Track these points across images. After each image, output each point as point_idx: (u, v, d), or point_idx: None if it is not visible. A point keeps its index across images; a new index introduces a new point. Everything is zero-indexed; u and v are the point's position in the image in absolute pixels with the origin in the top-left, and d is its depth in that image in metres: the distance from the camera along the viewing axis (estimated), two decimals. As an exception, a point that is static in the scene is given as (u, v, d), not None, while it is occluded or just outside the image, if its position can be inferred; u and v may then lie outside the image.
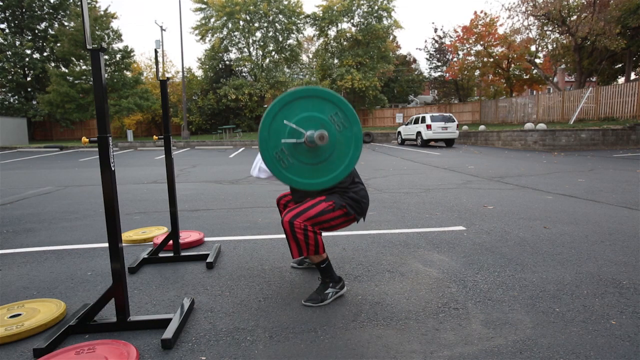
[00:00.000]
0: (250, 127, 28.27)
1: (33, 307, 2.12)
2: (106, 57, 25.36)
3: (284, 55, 29.68)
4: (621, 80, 23.13)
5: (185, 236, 3.40)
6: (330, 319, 2.00)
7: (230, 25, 27.85)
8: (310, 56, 33.65)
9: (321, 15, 28.57)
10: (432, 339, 1.80)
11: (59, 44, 25.62)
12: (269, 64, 29.19)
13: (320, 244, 2.11)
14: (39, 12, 26.35)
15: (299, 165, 1.80)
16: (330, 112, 1.80)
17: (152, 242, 3.40)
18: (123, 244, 2.11)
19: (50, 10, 26.53)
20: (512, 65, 27.21)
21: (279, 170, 1.79)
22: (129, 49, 26.84)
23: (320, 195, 2.18)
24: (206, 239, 3.47)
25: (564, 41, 22.28)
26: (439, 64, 34.65)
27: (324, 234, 2.46)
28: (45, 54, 27.36)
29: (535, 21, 21.79)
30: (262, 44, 28.90)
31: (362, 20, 28.74)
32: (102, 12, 25.84)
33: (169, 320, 1.91)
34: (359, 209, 2.26)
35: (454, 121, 16.40)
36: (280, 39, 28.89)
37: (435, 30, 44.34)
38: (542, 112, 20.59)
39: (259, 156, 2.19)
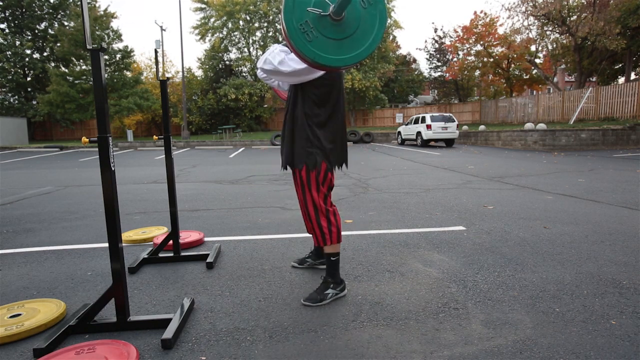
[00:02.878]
0: (250, 127, 28.27)
1: (33, 307, 2.12)
2: (106, 57, 25.37)
3: (284, 55, 29.63)
4: (621, 80, 23.13)
5: (185, 236, 3.40)
6: (330, 319, 2.00)
7: (230, 25, 27.86)
8: (310, 56, 33.58)
9: (321, 15, 28.53)
10: (432, 339, 1.80)
11: (59, 44, 25.63)
12: (269, 63, 29.14)
13: (340, 230, 2.24)
14: (38, 12, 26.36)
15: (323, 39, 1.75)
16: None
17: (152, 242, 3.40)
18: (123, 244, 2.11)
19: (50, 10, 26.54)
20: (512, 65, 27.22)
21: (303, 43, 1.72)
22: (129, 49, 26.86)
23: (297, 175, 2.21)
24: (206, 239, 3.47)
25: (564, 41, 22.28)
26: (439, 64, 34.66)
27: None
28: (45, 54, 27.37)
29: (535, 21, 21.80)
30: (262, 43, 28.90)
31: (362, 20, 28.69)
32: (102, 12, 25.84)
33: (169, 320, 1.91)
34: (331, 158, 2.21)
35: (454, 121, 16.40)
36: (280, 39, 28.87)
37: (435, 30, 44.36)
38: (542, 112, 20.59)
39: (268, 50, 2.16)
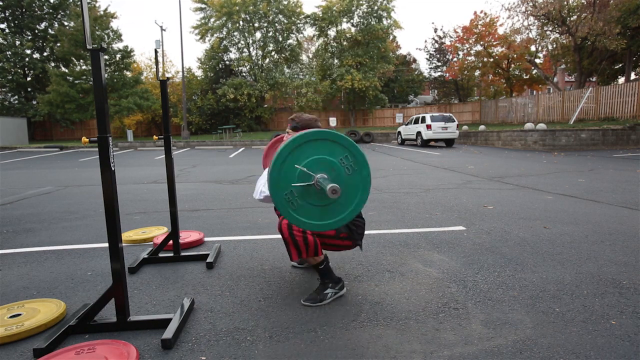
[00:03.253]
0: (250, 127, 28.26)
1: (33, 307, 2.12)
2: (106, 57, 25.36)
3: (283, 56, 29.68)
4: (621, 80, 23.13)
5: (185, 236, 3.40)
6: (330, 319, 2.00)
7: (229, 25, 27.84)
8: (310, 56, 33.64)
9: (321, 15, 28.55)
10: (432, 339, 1.80)
11: (59, 44, 25.63)
12: (268, 64, 29.19)
13: (318, 246, 2.13)
14: (38, 12, 26.35)
15: (308, 206, 1.84)
16: (340, 155, 1.84)
17: (152, 242, 3.40)
18: (123, 244, 2.11)
19: (50, 10, 26.53)
20: (512, 65, 27.22)
21: (288, 211, 1.83)
22: (129, 49, 26.84)
23: None
24: (206, 239, 3.47)
25: (564, 41, 22.28)
26: (439, 64, 34.66)
27: None
28: (45, 54, 27.36)
29: (535, 21, 21.79)
30: (261, 44, 28.90)
31: (361, 20, 28.71)
32: (101, 12, 25.84)
33: (169, 320, 1.91)
34: (357, 236, 2.26)
35: (454, 121, 16.40)
36: (280, 39, 28.89)
37: (435, 30, 44.32)
38: (542, 112, 20.59)
39: (260, 180, 2.26)
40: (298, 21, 28.89)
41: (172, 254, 2.92)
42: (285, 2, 27.86)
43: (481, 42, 26.46)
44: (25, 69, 26.34)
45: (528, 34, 23.02)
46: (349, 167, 1.85)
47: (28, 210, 4.87)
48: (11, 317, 2.01)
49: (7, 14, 25.93)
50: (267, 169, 2.24)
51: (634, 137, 13.77)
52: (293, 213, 1.83)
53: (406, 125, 18.71)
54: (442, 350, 1.71)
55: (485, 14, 26.08)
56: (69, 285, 2.50)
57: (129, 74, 27.58)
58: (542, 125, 14.73)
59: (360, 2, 28.12)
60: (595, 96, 17.27)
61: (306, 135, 1.81)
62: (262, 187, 2.27)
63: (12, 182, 7.65)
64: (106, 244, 2.65)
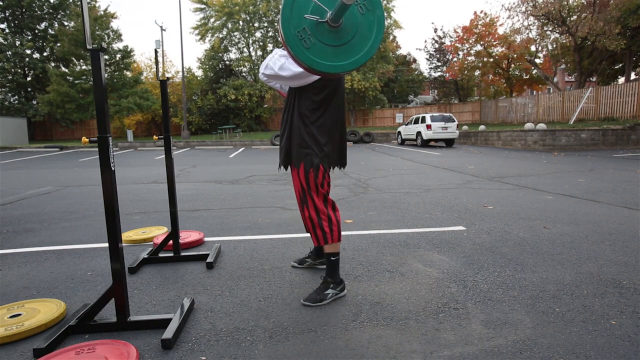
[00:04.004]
0: (250, 127, 28.27)
1: (33, 307, 2.12)
2: (106, 57, 25.36)
3: (284, 55, 29.66)
4: (621, 80, 23.14)
5: (185, 236, 3.40)
6: (330, 319, 2.00)
7: (229, 26, 27.86)
8: (310, 56, 33.59)
9: (321, 15, 28.54)
10: (432, 339, 1.80)
11: (59, 44, 25.63)
12: (268, 64, 29.16)
13: (340, 229, 2.24)
14: (39, 12, 26.36)
15: (320, 46, 1.74)
16: None
17: (152, 242, 3.40)
18: (123, 244, 2.11)
19: (50, 10, 26.54)
20: (512, 65, 27.22)
21: (301, 50, 1.72)
22: (129, 49, 26.85)
23: (295, 174, 2.22)
24: (206, 239, 3.47)
25: (564, 41, 22.27)
26: (439, 64, 34.66)
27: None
28: (45, 54, 27.38)
29: (535, 21, 21.79)
30: (261, 44, 28.91)
31: (362, 20, 28.69)
32: (102, 12, 25.84)
33: (169, 320, 1.91)
34: (329, 159, 2.24)
35: (454, 121, 16.40)
36: (279, 39, 28.86)
37: (435, 30, 44.33)
38: (542, 112, 20.59)
39: (269, 56, 2.17)
40: (298, 21, 28.86)
41: (172, 254, 2.92)
42: (285, 2, 27.84)
43: (481, 42, 26.46)
44: (26, 69, 26.35)
45: (528, 34, 23.03)
46: (362, 5, 1.76)
47: (28, 210, 4.87)
48: (11, 317, 2.01)
49: (7, 14, 25.95)
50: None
51: (634, 137, 13.77)
52: (306, 52, 1.73)
53: (406, 125, 18.71)
54: (442, 350, 1.71)
55: (485, 14, 26.10)
56: (69, 285, 2.50)
57: (129, 74, 27.59)
58: (542, 125, 14.73)
59: (360, 2, 28.09)
60: (595, 96, 17.27)
61: None
62: (269, 60, 2.15)
63: (12, 182, 7.65)
64: (106, 244, 2.65)
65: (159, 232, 3.61)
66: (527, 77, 27.95)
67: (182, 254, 2.94)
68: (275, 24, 28.41)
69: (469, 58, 28.25)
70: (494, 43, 26.04)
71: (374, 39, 1.80)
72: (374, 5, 1.78)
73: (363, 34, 1.78)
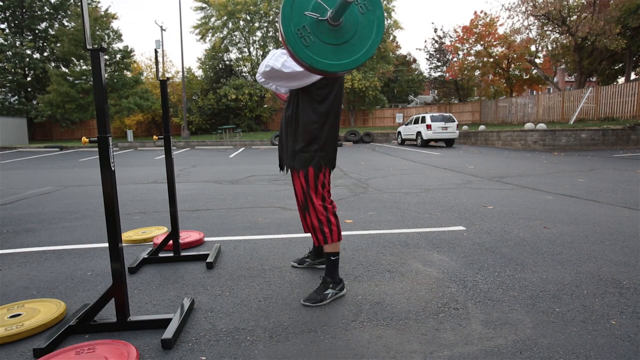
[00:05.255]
0: (250, 127, 28.27)
1: (33, 307, 2.12)
2: (106, 57, 25.37)
3: (284, 55, 29.67)
4: (621, 80, 23.14)
5: (185, 236, 3.40)
6: (330, 319, 2.00)
7: (230, 25, 27.87)
8: (310, 56, 33.62)
9: (321, 15, 28.56)
10: (432, 339, 1.80)
11: (59, 44, 25.64)
12: (269, 64, 29.15)
13: (340, 228, 2.25)
14: (39, 12, 26.37)
15: (320, 44, 1.74)
16: None
17: (152, 242, 3.40)
18: (123, 244, 2.11)
19: (51, 11, 26.54)
20: (512, 65, 27.21)
21: (300, 48, 1.72)
22: (129, 49, 26.85)
23: (296, 177, 2.23)
24: (206, 239, 3.47)
25: (564, 41, 22.28)
26: (439, 64, 34.66)
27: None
28: (45, 54, 27.38)
29: (535, 21, 21.80)
30: (262, 43, 28.91)
31: (362, 20, 28.71)
32: (102, 13, 25.85)
33: (169, 320, 1.91)
34: (329, 160, 2.24)
35: (454, 121, 16.40)
36: (280, 38, 28.87)
37: (435, 30, 44.40)
38: (542, 112, 20.59)
39: (268, 56, 2.16)
40: (298, 21, 28.86)
41: (172, 254, 2.92)
42: (286, 2, 27.84)
43: (481, 42, 26.46)
44: (26, 69, 26.35)
45: (528, 34, 23.03)
46: (362, 5, 1.77)
47: (28, 210, 4.87)
48: (11, 317, 2.01)
49: (7, 14, 25.95)
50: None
51: (634, 137, 13.77)
52: (306, 50, 1.73)
53: (406, 125, 18.71)
54: (442, 350, 1.71)
55: (485, 14, 26.09)
56: (69, 285, 2.50)
57: (129, 74, 27.58)
58: (542, 125, 14.73)
59: (361, 2, 28.10)
60: (595, 96, 17.27)
61: None
62: (268, 60, 2.13)
63: (12, 182, 7.65)
64: (106, 244, 2.65)
65: (159, 232, 3.61)
66: (527, 77, 27.94)
67: (182, 254, 2.94)
68: (276, 23, 28.42)
69: (469, 58, 28.26)
70: (494, 43, 26.04)
71: (373, 39, 1.80)
72: (374, 5, 1.78)
73: (363, 33, 1.78)
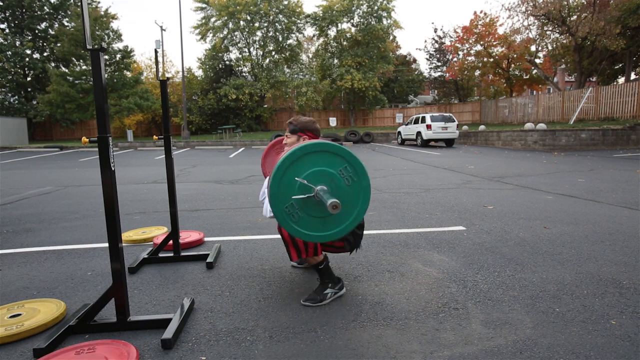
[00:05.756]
0: (250, 127, 28.27)
1: (33, 307, 2.12)
2: (106, 57, 25.36)
3: (284, 55, 29.70)
4: (621, 80, 23.13)
5: (185, 236, 3.40)
6: (330, 319, 2.00)
7: (230, 25, 27.84)
8: (310, 56, 33.66)
9: (321, 15, 28.57)
10: (432, 339, 1.80)
11: (59, 44, 25.63)
12: (269, 63, 29.19)
13: (318, 247, 2.15)
14: (39, 12, 26.35)
15: (308, 218, 1.85)
16: (339, 166, 1.85)
17: (152, 242, 3.40)
18: (123, 244, 2.11)
19: (51, 11, 26.53)
20: (512, 65, 27.21)
21: (288, 224, 1.84)
22: (129, 49, 26.84)
23: None
24: (206, 239, 3.47)
25: (564, 41, 22.28)
26: (439, 64, 34.67)
27: None
28: (45, 54, 27.36)
29: (535, 21, 21.80)
30: (262, 43, 28.91)
31: (361, 20, 28.72)
32: (102, 13, 25.84)
33: (169, 320, 1.91)
34: (354, 242, 2.26)
35: (454, 121, 16.39)
36: (280, 38, 28.88)
37: (435, 30, 44.40)
38: (542, 112, 20.59)
39: (265, 183, 2.23)
40: (298, 21, 28.89)
41: (172, 254, 2.92)
42: (286, 2, 27.86)
43: (481, 42, 26.46)
44: (26, 69, 26.34)
45: (528, 34, 23.03)
46: (348, 177, 1.86)
47: (28, 210, 4.87)
48: (11, 317, 2.01)
49: (7, 14, 25.93)
50: (267, 180, 2.24)
51: (634, 137, 13.77)
52: (294, 225, 1.84)
53: (406, 125, 18.70)
54: (442, 350, 1.71)
55: (485, 14, 26.09)
56: (69, 285, 2.50)
57: (129, 74, 27.57)
58: (542, 125, 14.72)
59: (361, 2, 28.13)
60: (595, 96, 17.27)
61: (305, 148, 1.82)
62: (265, 188, 2.24)
63: (12, 182, 7.65)
64: (106, 244, 2.65)
65: (159, 232, 3.61)
66: (527, 77, 27.94)
67: (182, 254, 2.94)
68: (277, 23, 28.40)
69: (469, 58, 28.26)
70: (494, 43, 26.04)
71: (360, 207, 1.89)
72: (359, 177, 1.87)
73: (349, 203, 1.87)
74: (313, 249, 2.14)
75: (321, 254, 2.19)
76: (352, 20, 29.14)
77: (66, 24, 26.92)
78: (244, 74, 30.09)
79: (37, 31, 26.61)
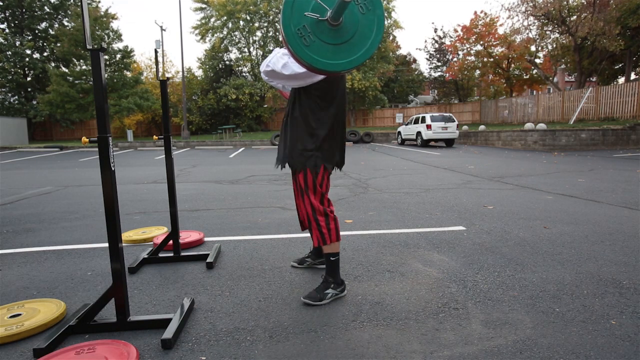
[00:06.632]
0: (250, 127, 28.28)
1: (33, 307, 2.12)
2: (106, 57, 25.36)
3: (283, 55, 29.68)
4: (621, 80, 23.14)
5: (185, 236, 3.40)
6: (330, 319, 2.00)
7: (230, 25, 27.87)
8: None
9: (321, 15, 28.57)
10: (432, 339, 1.80)
11: (59, 44, 25.63)
12: (268, 64, 29.18)
13: (339, 229, 2.24)
14: (39, 12, 26.37)
15: (320, 44, 1.76)
16: None
17: (152, 242, 3.40)
18: (123, 244, 2.11)
19: (51, 11, 26.55)
20: (512, 65, 27.23)
21: (300, 47, 1.74)
22: (129, 49, 26.84)
23: (295, 176, 2.25)
24: (206, 239, 3.47)
25: (564, 41, 22.28)
26: (439, 64, 34.67)
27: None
28: (45, 54, 27.38)
29: (535, 21, 21.80)
30: (262, 43, 28.93)
31: (362, 20, 28.71)
32: (102, 13, 25.84)
33: (169, 320, 1.91)
34: (330, 160, 2.25)
35: (454, 121, 16.40)
36: (280, 38, 28.90)
37: (435, 30, 44.43)
38: (542, 112, 20.60)
39: (270, 54, 2.19)
40: (298, 21, 28.87)
41: (172, 254, 2.92)
42: (286, 2, 27.86)
43: (481, 42, 26.48)
44: (26, 69, 26.35)
45: (528, 34, 23.03)
46: (362, 5, 1.77)
47: (28, 210, 4.87)
48: (11, 317, 2.01)
49: (7, 14, 25.94)
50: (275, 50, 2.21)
51: (634, 137, 13.77)
52: (306, 50, 1.74)
53: (406, 125, 18.71)
54: (442, 350, 1.71)
55: (485, 14, 26.11)
56: (69, 285, 2.50)
57: (129, 74, 27.58)
58: (542, 125, 14.72)
59: (360, 2, 28.11)
60: (595, 96, 17.27)
61: None
62: (270, 59, 2.15)
63: (12, 182, 7.65)
64: (106, 244, 2.65)
65: (159, 232, 3.61)
66: (527, 77, 27.95)
67: (182, 254, 2.94)
68: (276, 23, 28.41)
69: (469, 58, 28.28)
70: (494, 43, 26.06)
71: (373, 38, 1.80)
72: (374, 5, 1.78)
73: (363, 33, 1.79)
74: (335, 232, 2.19)
75: (338, 242, 2.24)
76: (352, 20, 29.11)
77: (66, 24, 26.94)
78: (244, 74, 30.11)
79: (37, 31, 26.62)
